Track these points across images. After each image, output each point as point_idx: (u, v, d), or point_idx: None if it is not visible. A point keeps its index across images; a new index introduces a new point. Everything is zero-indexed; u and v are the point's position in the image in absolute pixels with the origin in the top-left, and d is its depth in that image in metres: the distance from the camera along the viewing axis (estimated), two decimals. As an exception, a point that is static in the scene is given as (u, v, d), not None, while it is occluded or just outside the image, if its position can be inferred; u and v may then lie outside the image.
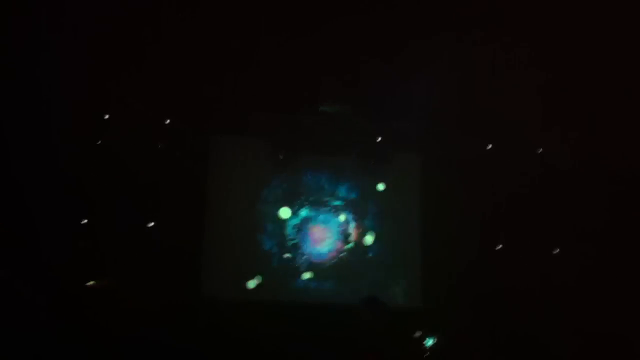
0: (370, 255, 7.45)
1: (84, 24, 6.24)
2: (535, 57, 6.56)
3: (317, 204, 7.53)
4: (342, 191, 7.57)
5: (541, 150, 7.19)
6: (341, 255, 7.45)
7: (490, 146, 7.25)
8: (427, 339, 6.77)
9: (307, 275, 7.36)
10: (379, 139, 7.37)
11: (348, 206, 7.53)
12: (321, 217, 7.52)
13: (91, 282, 6.75)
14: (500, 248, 7.08)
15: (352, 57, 6.72)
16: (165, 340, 6.21)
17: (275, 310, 6.88)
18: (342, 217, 7.51)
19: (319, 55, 6.72)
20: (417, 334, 6.74)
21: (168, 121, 7.20)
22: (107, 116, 7.03)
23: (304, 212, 7.50)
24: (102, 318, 6.26)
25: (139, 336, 6.18)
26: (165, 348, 6.14)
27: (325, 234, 7.48)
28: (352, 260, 7.44)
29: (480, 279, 6.97)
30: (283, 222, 7.44)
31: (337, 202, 7.54)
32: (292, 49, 6.68)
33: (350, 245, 7.47)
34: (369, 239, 7.43)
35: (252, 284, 7.20)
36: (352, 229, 7.50)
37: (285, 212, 7.43)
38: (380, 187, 7.48)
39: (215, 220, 7.27)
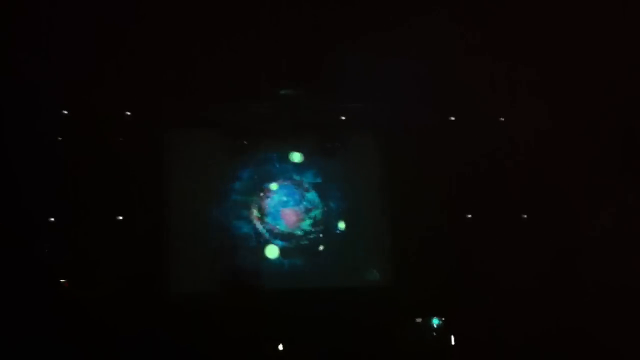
0: (338, 234, 7.45)
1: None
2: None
3: (284, 188, 7.51)
4: (308, 175, 7.55)
5: (503, 119, 7.18)
6: (310, 237, 7.43)
7: (452, 118, 7.24)
8: (433, 319, 6.82)
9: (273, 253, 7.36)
10: (342, 118, 7.34)
11: (314, 188, 7.51)
12: (288, 200, 7.50)
13: (63, 281, 6.70)
14: (470, 218, 7.08)
15: (310, 40, 6.73)
16: (139, 338, 6.22)
17: (250, 298, 6.86)
18: (309, 199, 7.50)
19: (276, 39, 6.73)
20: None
21: (128, 113, 7.11)
22: (66, 112, 6.95)
23: (273, 197, 7.48)
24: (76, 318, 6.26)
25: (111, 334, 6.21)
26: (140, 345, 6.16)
27: (294, 217, 7.46)
28: (322, 241, 7.42)
29: (449, 251, 6.99)
30: (252, 208, 7.41)
31: (304, 185, 7.52)
32: (247, 35, 6.67)
33: (319, 227, 7.46)
34: (340, 225, 7.42)
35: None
36: (319, 210, 7.49)
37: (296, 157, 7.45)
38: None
39: (180, 212, 7.21)
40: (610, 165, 6.68)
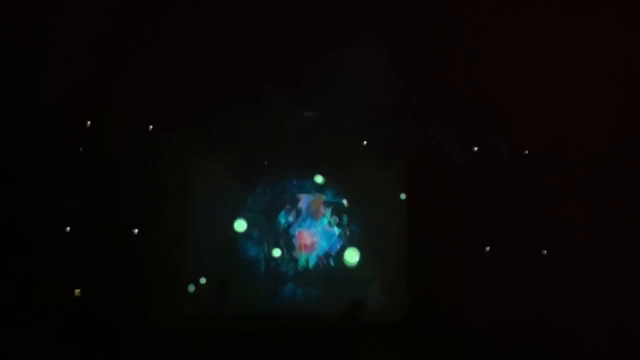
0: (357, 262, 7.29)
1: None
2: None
3: (302, 210, 7.42)
4: (328, 196, 7.45)
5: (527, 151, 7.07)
6: (327, 262, 7.32)
7: (476, 148, 7.15)
8: None
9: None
10: (365, 142, 7.28)
11: (333, 211, 7.41)
12: (306, 223, 7.41)
13: (77, 291, 6.68)
14: (489, 250, 6.95)
15: (334, 64, 6.74)
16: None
17: (261, 321, 6.80)
18: (328, 223, 7.41)
19: (301, 59, 6.74)
20: None
21: (151, 127, 7.12)
22: (89, 123, 6.97)
23: (289, 219, 7.40)
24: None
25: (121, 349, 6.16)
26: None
27: (311, 240, 7.37)
28: (338, 267, 7.29)
29: (469, 283, 6.80)
30: (269, 230, 7.33)
31: (322, 209, 7.42)
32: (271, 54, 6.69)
33: (336, 252, 7.34)
34: (354, 255, 7.30)
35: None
36: (338, 234, 7.38)
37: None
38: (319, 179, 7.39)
39: (196, 230, 7.17)
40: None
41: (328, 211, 7.38)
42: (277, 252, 7.28)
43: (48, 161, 6.70)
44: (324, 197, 7.38)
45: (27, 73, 6.33)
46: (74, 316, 6.38)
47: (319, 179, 7.39)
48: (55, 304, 6.36)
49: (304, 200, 7.41)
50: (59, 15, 6.29)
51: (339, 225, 7.36)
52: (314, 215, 7.36)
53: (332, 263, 7.27)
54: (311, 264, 7.29)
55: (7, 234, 6.44)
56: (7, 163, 6.45)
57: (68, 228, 6.85)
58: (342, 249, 7.30)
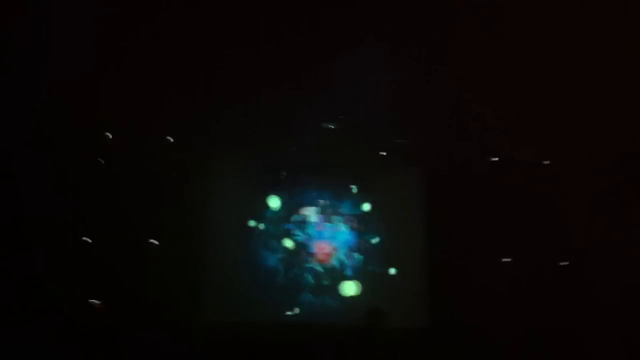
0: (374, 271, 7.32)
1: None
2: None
3: (320, 220, 7.45)
4: (345, 210, 7.48)
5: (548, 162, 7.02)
6: (344, 272, 7.33)
7: (496, 159, 7.11)
8: None
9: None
10: (384, 153, 7.27)
11: (351, 222, 7.43)
12: (324, 234, 7.43)
13: (94, 302, 6.72)
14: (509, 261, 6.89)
15: (351, 75, 6.72)
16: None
17: (278, 331, 6.83)
18: (345, 234, 7.43)
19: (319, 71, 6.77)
20: None
21: (170, 139, 7.18)
22: (110, 135, 7.05)
23: (308, 229, 7.43)
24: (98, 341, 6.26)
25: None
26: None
27: (328, 251, 7.37)
28: (355, 278, 7.31)
29: (489, 295, 6.76)
30: (286, 240, 7.38)
31: (340, 219, 7.45)
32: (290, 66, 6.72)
33: (354, 262, 7.36)
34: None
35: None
36: (355, 246, 7.39)
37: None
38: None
39: (215, 240, 7.24)
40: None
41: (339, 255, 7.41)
42: (295, 261, 7.32)
43: (67, 173, 6.77)
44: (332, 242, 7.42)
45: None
46: (86, 322, 6.40)
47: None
48: (69, 310, 6.39)
49: (315, 212, 7.47)
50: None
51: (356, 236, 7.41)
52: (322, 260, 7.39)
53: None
54: (328, 272, 7.32)
55: (25, 236, 6.52)
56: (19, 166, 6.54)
57: (88, 239, 6.87)
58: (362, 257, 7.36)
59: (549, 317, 6.50)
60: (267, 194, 7.39)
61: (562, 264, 6.70)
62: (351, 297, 7.23)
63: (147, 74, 6.63)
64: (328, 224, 7.45)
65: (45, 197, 6.50)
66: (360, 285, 7.26)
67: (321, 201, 7.47)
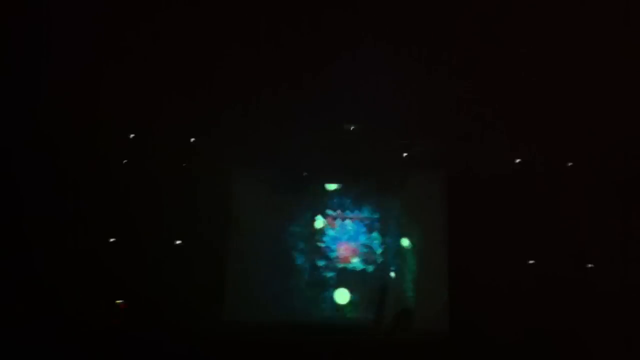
0: (396, 274, 7.33)
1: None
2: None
3: (342, 222, 7.46)
4: (366, 211, 7.49)
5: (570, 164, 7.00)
6: (368, 274, 7.34)
7: (518, 160, 7.08)
8: None
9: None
10: (405, 154, 7.27)
11: (374, 224, 7.44)
12: (344, 235, 7.43)
13: (119, 302, 6.75)
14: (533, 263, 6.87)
15: (373, 77, 6.72)
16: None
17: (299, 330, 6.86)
18: (368, 236, 7.44)
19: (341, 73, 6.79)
20: None
21: (193, 140, 7.19)
22: (132, 135, 7.07)
23: (329, 232, 7.44)
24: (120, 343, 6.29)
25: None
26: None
27: (349, 252, 7.38)
28: (378, 280, 7.31)
29: (511, 296, 6.72)
30: (308, 241, 7.39)
31: (363, 221, 7.46)
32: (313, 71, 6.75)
33: (377, 264, 7.37)
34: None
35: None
36: (379, 247, 7.40)
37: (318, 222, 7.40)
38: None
39: (239, 242, 7.25)
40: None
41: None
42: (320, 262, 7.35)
43: (92, 173, 6.81)
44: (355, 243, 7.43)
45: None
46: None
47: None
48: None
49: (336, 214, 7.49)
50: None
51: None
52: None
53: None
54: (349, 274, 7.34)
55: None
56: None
57: (112, 239, 6.89)
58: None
59: (574, 318, 6.42)
60: (289, 195, 7.37)
61: (589, 266, 6.68)
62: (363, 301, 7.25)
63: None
64: (349, 225, 7.43)
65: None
66: (351, 293, 7.28)
67: (343, 203, 7.47)
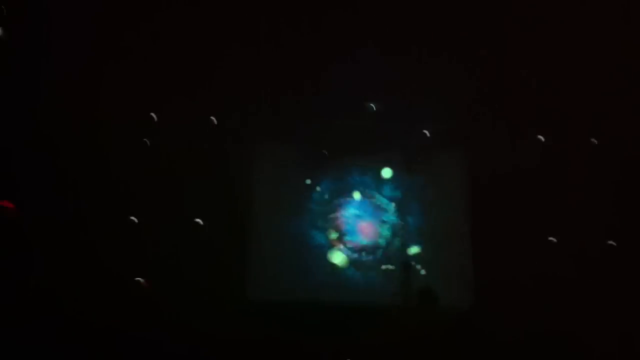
0: (416, 254, 7.36)
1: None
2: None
3: (362, 200, 7.49)
4: (387, 189, 7.52)
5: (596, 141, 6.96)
6: (386, 253, 7.39)
7: (542, 139, 7.06)
8: None
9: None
10: (427, 133, 7.26)
11: (393, 202, 7.47)
12: (365, 213, 7.48)
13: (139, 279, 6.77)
14: (554, 242, 6.85)
15: (396, 57, 6.79)
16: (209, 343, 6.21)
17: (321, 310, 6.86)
18: (388, 215, 7.46)
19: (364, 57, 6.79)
20: None
21: (215, 121, 7.20)
22: (154, 115, 7.08)
23: (350, 210, 7.47)
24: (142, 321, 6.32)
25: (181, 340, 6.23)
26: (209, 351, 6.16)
27: (370, 230, 7.43)
28: (398, 259, 7.36)
29: (532, 278, 6.71)
30: (329, 220, 7.42)
31: (383, 200, 7.48)
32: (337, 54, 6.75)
33: (396, 245, 7.41)
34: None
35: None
36: (398, 227, 7.43)
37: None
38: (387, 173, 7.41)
39: (260, 221, 7.30)
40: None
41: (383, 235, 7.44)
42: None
43: (114, 153, 6.82)
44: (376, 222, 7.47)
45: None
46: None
47: (386, 172, 7.41)
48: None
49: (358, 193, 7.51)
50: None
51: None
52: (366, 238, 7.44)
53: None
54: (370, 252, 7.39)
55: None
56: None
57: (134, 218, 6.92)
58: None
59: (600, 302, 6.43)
60: (311, 173, 7.42)
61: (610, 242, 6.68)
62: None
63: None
64: (370, 204, 7.46)
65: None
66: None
67: (364, 181, 7.50)
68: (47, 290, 6.18)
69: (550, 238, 6.84)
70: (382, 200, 7.48)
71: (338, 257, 7.33)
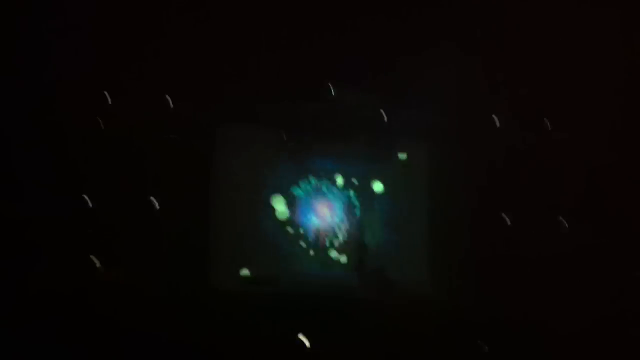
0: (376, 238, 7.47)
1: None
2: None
3: (323, 187, 7.54)
4: (348, 175, 7.57)
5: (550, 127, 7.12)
6: (346, 239, 7.49)
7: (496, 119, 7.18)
8: None
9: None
10: (385, 119, 7.30)
11: (354, 190, 7.55)
12: (327, 201, 7.54)
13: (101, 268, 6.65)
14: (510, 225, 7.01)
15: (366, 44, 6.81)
16: (171, 332, 6.17)
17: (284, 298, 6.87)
18: (348, 201, 7.55)
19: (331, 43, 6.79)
20: None
21: (172, 106, 7.07)
22: (109, 100, 6.90)
23: (310, 196, 7.52)
24: (104, 311, 6.22)
25: (143, 329, 6.17)
26: (171, 341, 6.11)
27: (330, 218, 7.51)
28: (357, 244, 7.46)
29: (489, 262, 6.87)
30: (290, 205, 7.46)
31: (343, 186, 7.55)
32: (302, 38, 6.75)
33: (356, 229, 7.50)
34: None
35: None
36: (357, 213, 7.52)
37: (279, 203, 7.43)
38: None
39: (221, 207, 7.23)
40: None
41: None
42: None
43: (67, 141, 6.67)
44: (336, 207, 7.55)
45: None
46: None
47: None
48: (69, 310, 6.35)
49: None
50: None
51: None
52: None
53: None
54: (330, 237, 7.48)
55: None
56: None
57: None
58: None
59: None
60: (273, 158, 7.41)
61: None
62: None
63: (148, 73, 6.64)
64: (333, 190, 7.54)
65: (45, 197, 6.43)
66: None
67: (328, 167, 7.55)
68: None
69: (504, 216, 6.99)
70: (343, 186, 7.52)
71: (279, 203, 7.36)
